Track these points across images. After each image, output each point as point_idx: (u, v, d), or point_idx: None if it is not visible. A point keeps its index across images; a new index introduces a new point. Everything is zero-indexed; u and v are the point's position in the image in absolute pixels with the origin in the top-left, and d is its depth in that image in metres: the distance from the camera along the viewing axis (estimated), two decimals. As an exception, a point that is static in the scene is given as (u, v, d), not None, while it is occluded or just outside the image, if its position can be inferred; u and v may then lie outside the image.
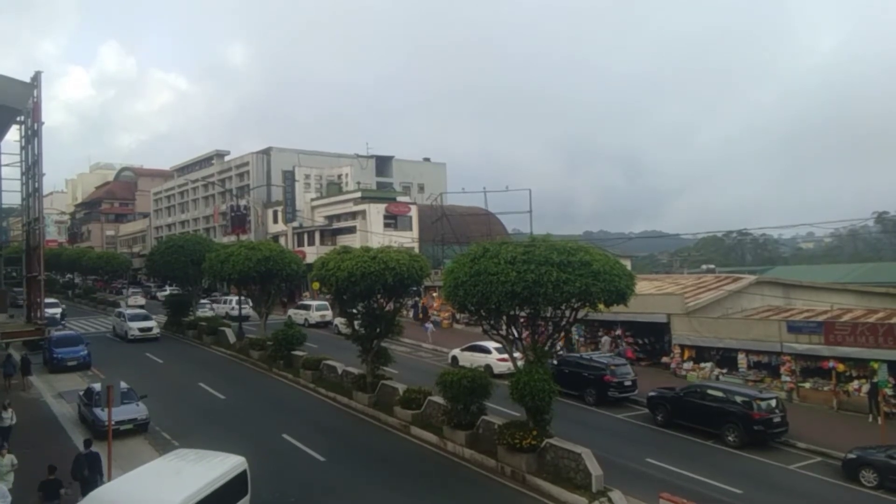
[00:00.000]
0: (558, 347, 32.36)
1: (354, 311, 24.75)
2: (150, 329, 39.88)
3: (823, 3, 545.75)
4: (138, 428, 20.52)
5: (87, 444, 15.51)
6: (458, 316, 44.04)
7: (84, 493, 14.48)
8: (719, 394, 22.27)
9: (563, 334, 19.20)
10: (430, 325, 38.45)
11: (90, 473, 14.59)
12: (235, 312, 48.58)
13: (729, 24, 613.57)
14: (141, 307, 52.70)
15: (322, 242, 61.09)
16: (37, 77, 23.80)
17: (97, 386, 20.21)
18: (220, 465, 12.33)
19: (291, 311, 47.04)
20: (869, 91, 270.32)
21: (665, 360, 32.05)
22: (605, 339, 34.42)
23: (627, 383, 26.02)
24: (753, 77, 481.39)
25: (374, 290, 22.93)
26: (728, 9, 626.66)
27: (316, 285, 30.75)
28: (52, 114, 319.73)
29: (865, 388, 24.39)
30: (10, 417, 18.70)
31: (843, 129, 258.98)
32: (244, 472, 12.77)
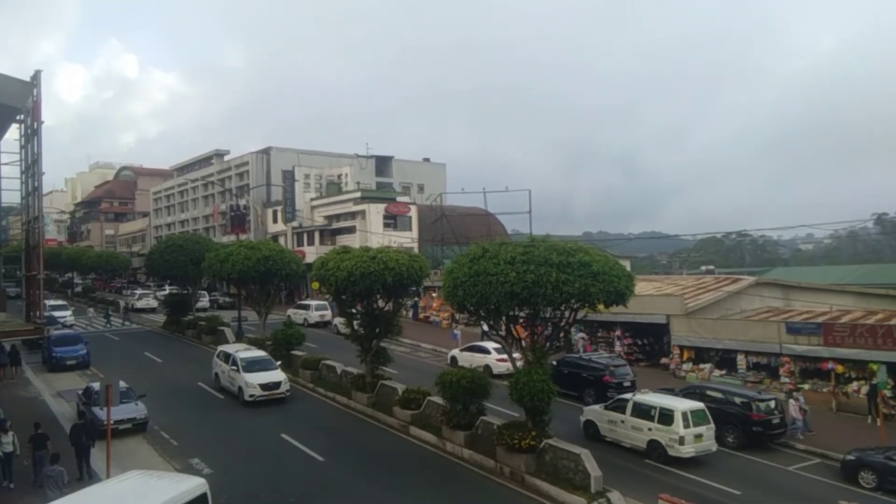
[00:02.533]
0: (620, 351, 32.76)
1: (354, 310, 24.78)
2: (276, 385, 24.91)
3: (821, 5, 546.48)
4: (137, 427, 20.48)
5: (81, 415, 16.09)
6: (457, 316, 44.03)
7: (78, 457, 15.66)
8: (718, 395, 22.27)
9: (562, 334, 19.18)
10: (457, 333, 37.97)
11: (86, 440, 16.25)
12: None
13: (727, 26, 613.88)
14: (112, 312, 47.04)
15: (322, 242, 61.05)
16: (36, 76, 23.82)
17: (96, 385, 20.18)
18: (177, 487, 11.72)
19: (290, 311, 47.02)
20: (868, 92, 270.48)
21: (664, 360, 32.09)
22: (580, 336, 34.93)
23: (626, 384, 26.00)
24: (751, 78, 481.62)
25: (373, 290, 22.97)
26: (725, 11, 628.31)
27: (315, 285, 30.71)
28: (52, 112, 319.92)
29: (864, 389, 24.42)
30: (10, 443, 15.90)
31: (842, 130, 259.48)
32: (204, 495, 11.99)
